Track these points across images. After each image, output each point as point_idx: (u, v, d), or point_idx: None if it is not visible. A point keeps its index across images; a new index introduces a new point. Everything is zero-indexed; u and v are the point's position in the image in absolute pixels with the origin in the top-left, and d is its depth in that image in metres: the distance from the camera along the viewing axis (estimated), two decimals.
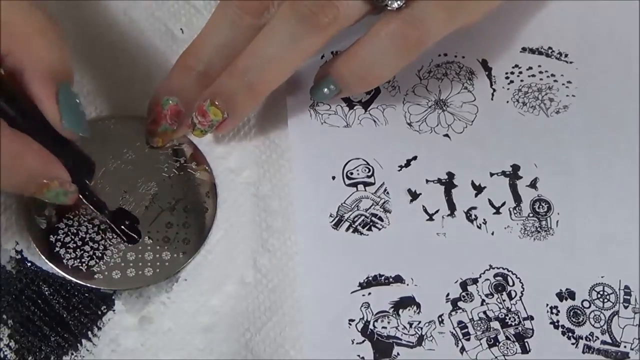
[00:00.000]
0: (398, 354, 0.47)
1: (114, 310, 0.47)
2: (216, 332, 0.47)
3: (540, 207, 0.50)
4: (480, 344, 0.47)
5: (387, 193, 0.50)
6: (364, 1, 0.46)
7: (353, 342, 0.47)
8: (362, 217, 0.49)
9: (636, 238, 0.49)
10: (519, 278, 0.48)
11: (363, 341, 0.47)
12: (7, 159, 0.42)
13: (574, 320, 0.47)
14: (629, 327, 0.47)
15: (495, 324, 0.47)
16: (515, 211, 0.50)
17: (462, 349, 0.47)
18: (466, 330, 0.47)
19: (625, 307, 0.48)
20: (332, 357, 0.46)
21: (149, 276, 0.47)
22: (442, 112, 0.52)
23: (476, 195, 0.50)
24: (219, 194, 0.50)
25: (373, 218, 0.49)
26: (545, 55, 0.54)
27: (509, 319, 0.47)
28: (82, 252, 0.47)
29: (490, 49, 0.54)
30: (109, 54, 0.53)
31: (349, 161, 0.51)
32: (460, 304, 0.48)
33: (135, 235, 0.48)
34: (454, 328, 0.47)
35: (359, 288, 0.48)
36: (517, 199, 0.50)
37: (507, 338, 0.47)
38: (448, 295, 0.48)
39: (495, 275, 0.48)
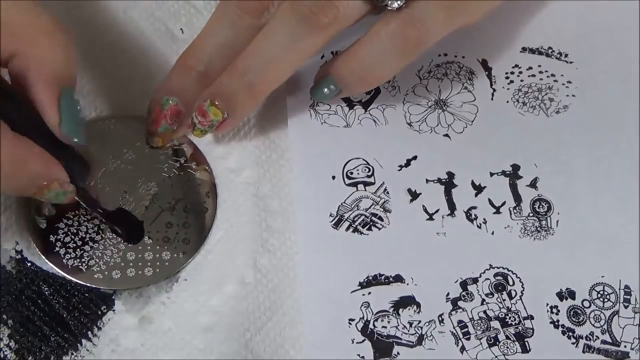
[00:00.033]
0: (398, 353, 0.46)
1: (114, 310, 0.47)
2: (216, 332, 0.47)
3: (541, 206, 0.50)
4: (481, 343, 0.47)
5: (387, 193, 0.50)
6: (364, 1, 0.46)
7: (353, 342, 0.47)
8: (362, 217, 0.49)
9: (636, 238, 0.49)
10: (519, 277, 0.48)
11: (363, 341, 0.47)
12: (9, 164, 0.42)
13: (574, 319, 0.47)
14: (629, 327, 0.47)
15: (496, 324, 0.47)
16: (515, 211, 0.50)
17: (462, 349, 0.47)
18: (466, 329, 0.47)
19: (626, 307, 0.48)
20: (332, 356, 0.46)
21: (149, 276, 0.47)
22: (442, 112, 0.52)
23: (476, 195, 0.50)
24: (219, 194, 0.50)
25: (373, 218, 0.49)
26: (545, 55, 0.54)
27: (509, 318, 0.47)
28: (82, 252, 0.47)
29: (490, 49, 0.54)
30: (109, 54, 0.53)
31: (349, 161, 0.51)
32: (460, 303, 0.48)
33: (129, 235, 0.48)
34: (454, 327, 0.47)
35: (359, 287, 0.48)
36: (517, 198, 0.50)
37: (507, 337, 0.47)
38: (448, 294, 0.48)
39: (496, 275, 0.48)
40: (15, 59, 0.43)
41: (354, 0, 0.46)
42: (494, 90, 0.53)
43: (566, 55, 0.54)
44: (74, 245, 0.47)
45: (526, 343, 0.47)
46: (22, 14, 0.43)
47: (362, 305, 0.47)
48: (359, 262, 0.48)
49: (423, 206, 0.50)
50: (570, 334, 0.47)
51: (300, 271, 0.48)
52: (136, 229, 0.48)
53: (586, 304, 0.48)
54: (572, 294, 0.48)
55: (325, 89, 0.49)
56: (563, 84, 0.53)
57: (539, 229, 0.49)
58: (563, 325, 0.47)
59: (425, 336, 0.47)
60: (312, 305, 0.47)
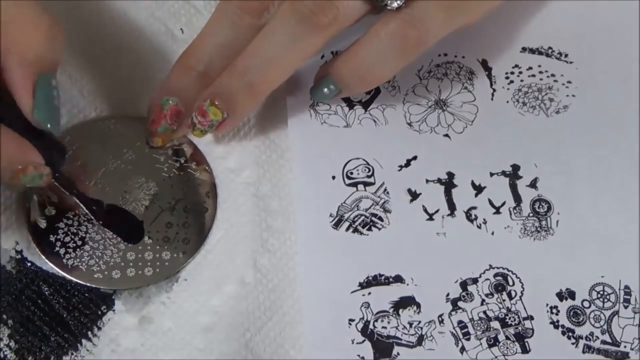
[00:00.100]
0: (398, 353, 0.47)
1: (114, 310, 0.47)
2: (216, 332, 0.47)
3: (540, 207, 0.50)
4: (480, 343, 0.47)
5: (387, 193, 0.50)
6: (364, 1, 0.46)
7: (353, 342, 0.47)
8: (362, 217, 0.49)
9: (636, 238, 0.49)
10: (519, 278, 0.48)
11: (363, 341, 0.47)
12: None
13: (574, 320, 0.47)
14: (629, 327, 0.47)
15: (495, 324, 0.47)
16: (515, 211, 0.50)
17: (462, 349, 0.47)
18: (466, 330, 0.47)
19: (625, 307, 0.48)
20: (332, 357, 0.46)
21: (149, 276, 0.47)
22: (442, 112, 0.52)
23: (476, 195, 0.50)
24: (219, 194, 0.50)
25: (373, 218, 0.49)
26: (545, 55, 0.54)
27: (509, 318, 0.47)
28: (82, 251, 0.47)
29: (490, 49, 0.54)
30: (109, 54, 0.53)
31: (349, 161, 0.51)
32: (460, 303, 0.48)
33: (128, 235, 0.48)
34: (454, 328, 0.47)
35: (359, 288, 0.48)
36: (517, 198, 0.50)
37: (507, 338, 0.47)
38: (448, 295, 0.48)
39: (495, 275, 0.48)
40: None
41: (354, 0, 0.46)
42: (494, 90, 0.53)
43: (566, 55, 0.54)
44: (74, 245, 0.47)
45: (526, 343, 0.47)
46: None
47: (362, 306, 0.47)
48: (359, 262, 0.48)
49: (423, 206, 0.50)
50: (570, 334, 0.47)
51: (300, 271, 0.48)
52: (136, 229, 0.48)
53: (586, 304, 0.48)
54: (572, 294, 0.48)
55: (325, 89, 0.49)
56: (563, 84, 0.53)
57: (539, 229, 0.49)
58: (563, 326, 0.47)
59: (425, 336, 0.47)
60: (312, 305, 0.47)
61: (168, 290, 0.48)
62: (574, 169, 0.51)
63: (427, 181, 0.50)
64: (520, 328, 0.47)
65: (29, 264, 0.47)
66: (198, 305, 0.47)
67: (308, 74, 0.51)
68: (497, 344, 0.47)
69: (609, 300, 0.48)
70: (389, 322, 0.47)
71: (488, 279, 0.48)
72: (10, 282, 0.47)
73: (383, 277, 0.48)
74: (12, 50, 0.43)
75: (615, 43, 0.54)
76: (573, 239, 0.49)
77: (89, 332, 0.46)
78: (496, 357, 0.47)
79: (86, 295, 0.47)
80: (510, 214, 0.50)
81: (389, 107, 0.53)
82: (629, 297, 0.48)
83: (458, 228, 0.49)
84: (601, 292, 0.48)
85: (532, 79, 0.53)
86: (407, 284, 0.48)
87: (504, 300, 0.48)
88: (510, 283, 0.48)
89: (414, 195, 0.50)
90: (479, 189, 0.50)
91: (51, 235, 0.48)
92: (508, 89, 0.53)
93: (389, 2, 0.46)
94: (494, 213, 0.50)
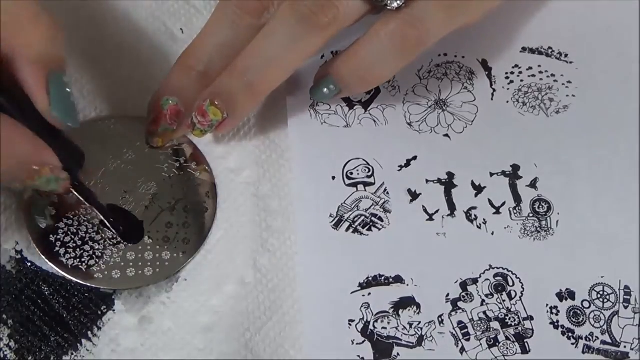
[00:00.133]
0: (398, 354, 0.47)
1: (114, 310, 0.47)
2: (216, 332, 0.47)
3: (540, 207, 0.50)
4: (480, 344, 0.47)
5: (387, 193, 0.50)
6: (364, 1, 0.46)
7: (353, 343, 0.47)
8: (362, 217, 0.49)
9: (636, 238, 0.49)
10: (519, 278, 0.48)
11: (363, 341, 0.47)
12: None
13: (574, 320, 0.47)
14: (629, 327, 0.47)
15: (495, 324, 0.47)
16: (515, 211, 0.50)
17: (462, 349, 0.47)
18: (466, 330, 0.47)
19: (625, 307, 0.48)
20: (332, 357, 0.46)
21: (149, 276, 0.47)
22: (442, 112, 0.52)
23: (476, 195, 0.50)
24: (219, 194, 0.50)
25: (373, 218, 0.49)
26: (545, 55, 0.54)
27: (509, 319, 0.47)
28: (82, 251, 0.47)
29: (490, 49, 0.54)
30: (109, 54, 0.53)
31: (349, 161, 0.51)
32: (460, 304, 0.48)
33: (129, 235, 0.48)
34: (454, 328, 0.47)
35: (359, 288, 0.48)
36: (517, 199, 0.50)
37: (507, 338, 0.47)
38: (448, 295, 0.48)
39: (495, 276, 0.48)
40: (1, 45, 0.43)
41: (353, 0, 0.46)
42: (494, 90, 0.53)
43: (566, 55, 0.54)
44: (74, 245, 0.47)
45: (526, 344, 0.47)
46: (5, 1, 0.43)
47: (362, 306, 0.47)
48: (358, 262, 0.48)
49: (423, 206, 0.50)
50: (570, 334, 0.47)
51: (300, 271, 0.48)
52: (136, 229, 0.48)
53: (586, 304, 0.48)
54: (572, 295, 0.48)
55: (325, 89, 0.49)
56: (563, 84, 0.53)
57: (539, 229, 0.49)
58: (563, 326, 0.47)
59: (425, 337, 0.47)
60: (312, 306, 0.47)
61: (168, 290, 0.48)
62: (574, 169, 0.51)
63: (427, 181, 0.50)
64: (520, 328, 0.47)
65: (29, 264, 0.47)
66: (198, 305, 0.47)
67: (308, 74, 0.51)
68: (497, 344, 0.47)
69: (609, 300, 0.48)
70: (389, 323, 0.47)
71: (488, 280, 0.48)
72: (10, 282, 0.47)
73: (383, 278, 0.48)
74: (16, 50, 0.43)
75: (615, 43, 0.54)
76: (573, 239, 0.49)
77: (89, 332, 0.46)
78: (496, 357, 0.47)
79: (86, 295, 0.47)
80: (510, 214, 0.50)
81: (389, 107, 0.53)
82: (629, 297, 0.48)
83: (458, 228, 0.49)
84: (601, 293, 0.48)
85: (532, 79, 0.53)
86: (407, 285, 0.48)
87: (504, 301, 0.48)
88: (510, 283, 0.48)
89: (414, 196, 0.50)
90: (479, 189, 0.50)
91: (51, 235, 0.48)
92: (508, 89, 0.53)
93: (389, 2, 0.46)
94: (494, 213, 0.50)
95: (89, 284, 0.47)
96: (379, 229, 0.49)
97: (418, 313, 0.47)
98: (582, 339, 0.47)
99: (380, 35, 0.47)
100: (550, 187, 0.50)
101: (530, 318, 0.47)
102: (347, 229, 0.49)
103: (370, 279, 0.48)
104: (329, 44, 0.48)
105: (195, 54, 0.49)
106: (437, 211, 0.50)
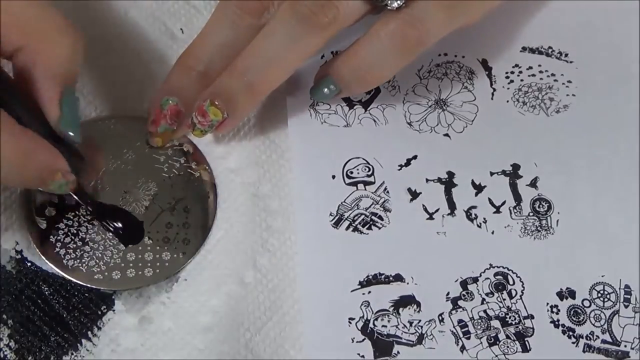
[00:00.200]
0: (398, 352, 0.46)
1: (114, 310, 0.47)
2: (216, 332, 0.47)
3: (541, 206, 0.50)
4: (481, 342, 0.47)
5: (387, 192, 0.50)
6: (364, 1, 0.46)
7: (353, 341, 0.47)
8: (362, 216, 0.49)
9: (636, 237, 0.49)
10: (519, 277, 0.48)
11: (363, 340, 0.47)
12: (19, 157, 0.42)
13: (574, 319, 0.47)
14: (629, 327, 0.47)
15: (496, 323, 0.47)
16: (515, 210, 0.50)
17: (462, 348, 0.47)
18: (466, 329, 0.47)
19: (626, 307, 0.47)
20: (332, 356, 0.46)
21: (149, 276, 0.47)
22: (442, 111, 0.52)
23: (476, 194, 0.50)
24: (219, 194, 0.50)
25: (373, 217, 0.49)
26: (545, 54, 0.54)
27: (510, 317, 0.47)
28: (82, 252, 0.47)
29: (490, 49, 0.54)
30: (109, 54, 0.53)
31: (348, 160, 0.51)
32: (460, 302, 0.47)
33: (129, 235, 0.48)
34: (454, 327, 0.47)
35: (359, 287, 0.48)
36: (517, 198, 0.50)
37: (508, 337, 0.47)
38: (448, 294, 0.48)
39: (496, 274, 0.48)
40: (21, 52, 0.43)
41: (353, 0, 0.46)
42: (494, 89, 0.53)
43: (566, 55, 0.54)
44: (74, 245, 0.47)
45: (526, 342, 0.47)
46: (34, 9, 0.43)
47: (362, 305, 0.47)
48: (359, 261, 0.48)
49: (423, 205, 0.50)
50: (571, 333, 0.47)
51: (300, 271, 0.48)
52: (136, 229, 0.48)
53: (586, 303, 0.48)
54: (572, 294, 0.48)
55: (325, 89, 0.49)
56: (563, 84, 0.53)
57: (539, 228, 0.49)
58: (563, 325, 0.47)
59: (425, 335, 0.47)
60: (312, 305, 0.47)
61: (168, 290, 0.48)
62: (574, 169, 0.51)
63: (427, 180, 0.50)
64: (520, 327, 0.47)
65: (29, 264, 0.47)
66: (198, 305, 0.47)
67: (308, 74, 0.51)
68: (498, 343, 0.47)
69: (609, 299, 0.48)
70: (389, 321, 0.47)
71: (488, 278, 0.48)
72: (10, 282, 0.47)
73: (383, 276, 0.48)
74: (37, 60, 0.43)
75: (615, 43, 0.54)
76: (573, 238, 0.49)
77: (89, 332, 0.46)
78: (496, 356, 0.46)
79: (86, 295, 0.47)
80: (511, 213, 0.50)
81: (389, 106, 0.53)
82: (629, 296, 0.48)
83: (458, 227, 0.49)
84: (601, 292, 0.48)
85: (532, 79, 0.53)
86: (407, 283, 0.48)
87: (504, 300, 0.48)
88: (511, 282, 0.48)
89: (414, 195, 0.50)
90: (479, 189, 0.50)
91: (51, 236, 0.48)
92: (508, 88, 0.53)
93: (389, 2, 0.46)
94: (494, 212, 0.50)
95: (89, 285, 0.47)
96: (379, 228, 0.49)
97: (418, 311, 0.47)
98: (582, 337, 0.47)
99: (380, 35, 0.47)
100: (551, 187, 0.50)
101: (531, 317, 0.47)
102: (347, 228, 0.49)
103: (371, 277, 0.48)
104: (329, 44, 0.48)
105: (195, 54, 0.49)
106: (437, 210, 0.50)
